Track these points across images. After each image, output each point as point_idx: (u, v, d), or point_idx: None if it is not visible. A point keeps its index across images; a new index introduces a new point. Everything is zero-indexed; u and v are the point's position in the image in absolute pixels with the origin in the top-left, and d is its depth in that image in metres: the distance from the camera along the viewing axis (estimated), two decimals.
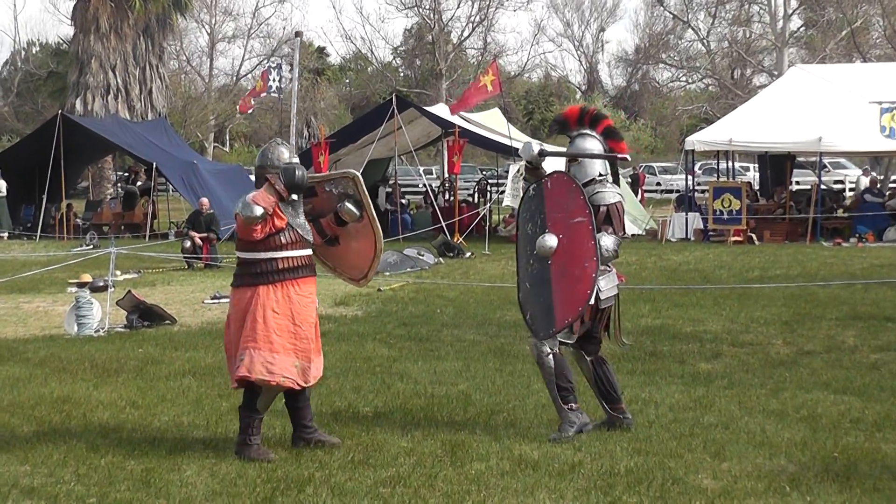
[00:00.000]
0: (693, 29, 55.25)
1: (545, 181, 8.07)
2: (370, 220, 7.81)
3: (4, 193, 30.53)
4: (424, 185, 33.96)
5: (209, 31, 61.25)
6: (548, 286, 7.79)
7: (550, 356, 7.78)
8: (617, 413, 7.97)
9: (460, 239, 24.99)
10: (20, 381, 10.08)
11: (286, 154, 7.55)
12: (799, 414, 8.43)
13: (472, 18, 54.98)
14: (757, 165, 35.82)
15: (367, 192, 7.83)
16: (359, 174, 7.91)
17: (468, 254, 22.48)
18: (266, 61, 56.40)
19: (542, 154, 8.10)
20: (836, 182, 41.11)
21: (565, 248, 7.82)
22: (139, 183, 33.95)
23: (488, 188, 33.95)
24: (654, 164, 56.24)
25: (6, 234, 30.34)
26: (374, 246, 7.93)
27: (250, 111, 30.18)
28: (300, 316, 7.42)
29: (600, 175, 8.10)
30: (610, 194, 8.01)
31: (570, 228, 7.87)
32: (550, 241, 7.83)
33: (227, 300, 15.54)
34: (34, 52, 63.58)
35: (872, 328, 12.46)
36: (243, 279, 7.47)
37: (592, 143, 8.22)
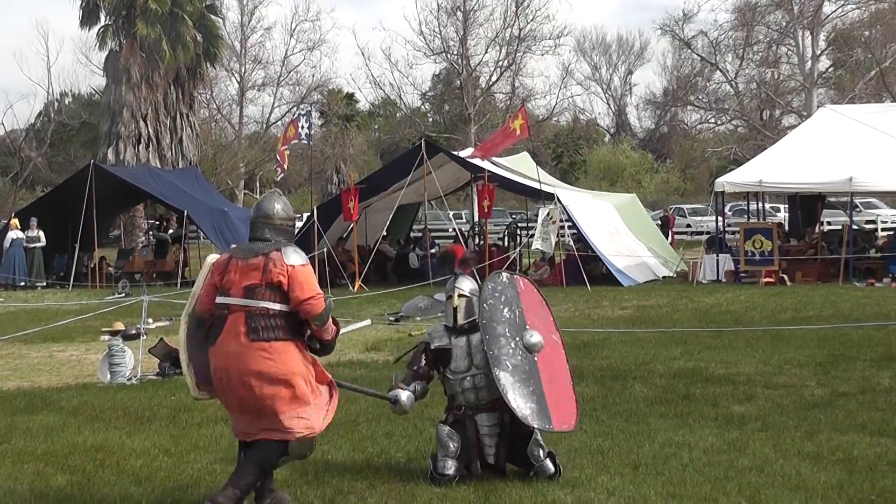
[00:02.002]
0: (721, 71, 55.31)
1: (517, 279, 8.20)
2: None
3: (44, 243, 30.81)
4: (454, 230, 34.02)
5: (239, 79, 61.80)
6: (537, 379, 7.78)
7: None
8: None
9: None
10: (54, 429, 10.12)
11: (282, 207, 7.36)
12: (835, 456, 8.35)
13: (500, 63, 55.28)
14: (787, 206, 35.69)
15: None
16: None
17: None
18: (295, 109, 56.96)
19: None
20: (868, 222, 40.90)
21: (548, 356, 7.94)
22: (171, 231, 34.17)
23: (518, 232, 33.96)
24: (683, 206, 56.19)
25: (44, 283, 30.56)
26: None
27: (286, 166, 30.36)
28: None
29: None
30: None
31: (549, 342, 8.08)
32: (538, 338, 7.97)
33: None
34: (67, 103, 64.35)
35: None
36: (277, 332, 7.03)
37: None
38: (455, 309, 8.10)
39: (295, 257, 7.09)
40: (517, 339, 7.89)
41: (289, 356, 6.97)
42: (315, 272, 24.88)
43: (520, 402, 7.67)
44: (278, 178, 34.05)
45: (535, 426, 7.67)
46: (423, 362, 8.15)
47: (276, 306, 6.99)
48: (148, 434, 9.82)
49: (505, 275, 8.20)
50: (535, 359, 7.87)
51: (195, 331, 7.32)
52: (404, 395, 7.98)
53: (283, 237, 7.27)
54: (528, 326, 7.97)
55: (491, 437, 7.87)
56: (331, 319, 7.24)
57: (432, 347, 8.12)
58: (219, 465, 8.52)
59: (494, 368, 7.72)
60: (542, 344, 7.94)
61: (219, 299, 7.10)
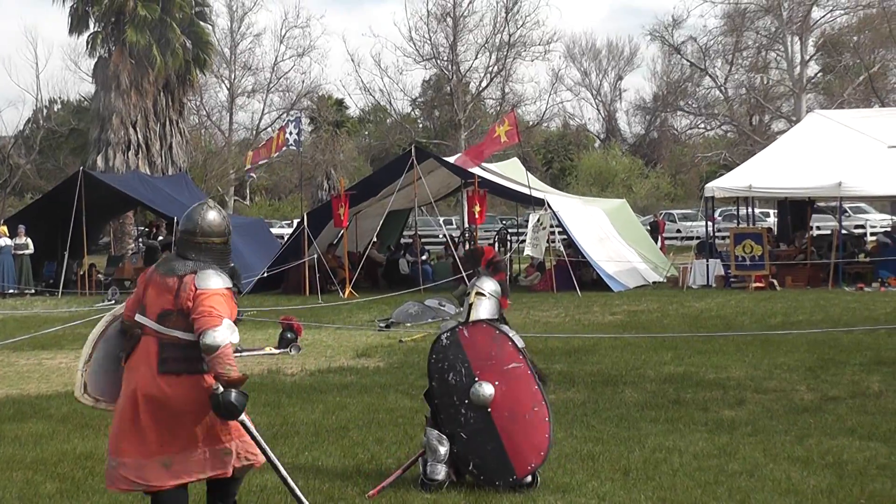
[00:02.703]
0: (710, 76, 55.43)
1: (460, 329, 7.97)
2: None
3: (32, 251, 30.73)
4: (444, 236, 34.03)
5: (228, 86, 61.78)
6: (494, 434, 7.69)
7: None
8: None
9: None
10: (43, 437, 10.09)
11: (210, 217, 6.54)
12: (824, 461, 8.36)
13: (490, 69, 55.28)
14: (777, 211, 35.78)
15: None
16: None
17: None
18: (285, 115, 56.94)
19: None
20: (857, 227, 41.01)
21: (505, 393, 7.80)
22: (160, 237, 34.07)
23: (508, 237, 33.98)
24: (673, 211, 56.34)
25: (33, 291, 30.48)
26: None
27: (255, 173, 30.37)
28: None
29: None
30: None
31: (505, 374, 7.89)
32: (487, 389, 7.75)
33: (249, 353, 15.67)
34: (56, 109, 64.20)
35: None
36: (189, 364, 6.28)
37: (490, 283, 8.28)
38: (471, 306, 8.06)
39: (208, 282, 6.28)
40: (466, 400, 7.73)
41: (202, 389, 6.22)
42: (305, 279, 24.66)
43: (481, 469, 7.66)
44: (249, 177, 33.96)
45: (499, 484, 7.63)
46: None
47: (188, 336, 6.23)
48: None
49: (444, 337, 7.91)
50: (489, 411, 7.72)
51: (116, 337, 6.69)
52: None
53: (209, 258, 6.46)
54: (476, 378, 7.79)
55: None
56: (227, 356, 6.14)
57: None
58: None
59: (453, 446, 7.68)
60: (490, 394, 7.72)
61: (137, 316, 6.45)
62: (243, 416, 6.34)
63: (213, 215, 6.56)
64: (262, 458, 6.45)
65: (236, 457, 6.38)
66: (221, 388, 6.13)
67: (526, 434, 7.73)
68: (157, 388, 6.21)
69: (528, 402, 7.84)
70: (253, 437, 6.50)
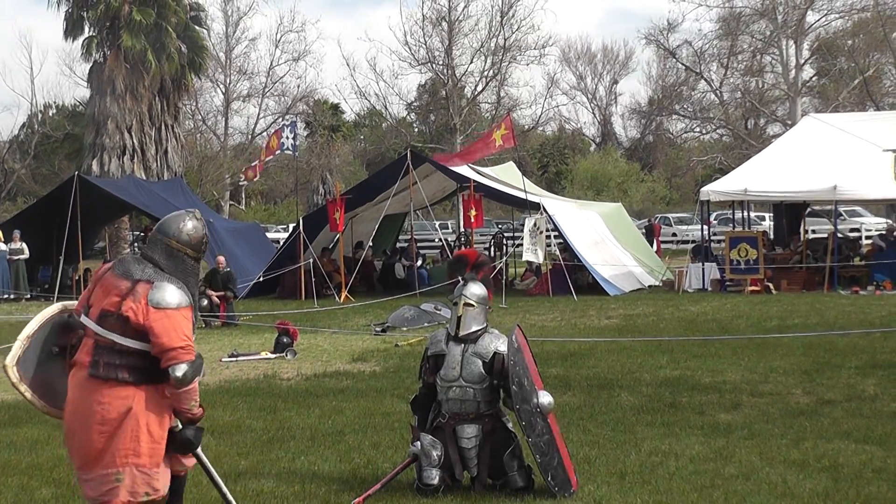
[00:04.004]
0: (706, 80, 55.44)
1: (517, 334, 7.95)
2: None
3: (27, 256, 30.67)
4: (440, 240, 34.03)
5: (224, 90, 61.72)
6: (555, 444, 7.72)
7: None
8: None
9: None
10: (38, 442, 10.07)
11: (190, 226, 6.25)
12: (820, 464, 8.37)
13: (486, 73, 55.24)
14: (772, 214, 35.81)
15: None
16: None
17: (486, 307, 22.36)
18: (281, 119, 56.92)
19: None
20: (852, 230, 41.06)
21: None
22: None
23: (504, 241, 33.99)
24: (669, 215, 56.40)
25: (28, 296, 30.44)
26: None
27: (255, 179, 30.46)
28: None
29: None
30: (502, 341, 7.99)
31: (541, 384, 8.01)
32: (549, 398, 7.81)
33: (245, 358, 15.65)
34: (50, 114, 64.13)
35: (893, 376, 12.38)
36: (119, 372, 5.94)
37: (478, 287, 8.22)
38: (459, 318, 8.04)
39: (166, 296, 5.93)
40: (538, 409, 7.69)
41: (126, 401, 5.89)
42: (301, 283, 24.67)
43: (556, 480, 7.58)
44: (241, 183, 33.99)
45: (567, 496, 7.57)
46: (426, 373, 8.12)
47: (125, 342, 5.91)
48: None
49: (514, 340, 7.84)
50: (549, 422, 7.74)
51: (56, 328, 6.34)
52: (416, 448, 7.89)
53: (176, 266, 6.14)
54: (536, 388, 7.80)
55: (472, 450, 7.83)
56: (194, 392, 5.94)
57: (428, 354, 8.10)
58: (203, 476, 8.48)
59: (536, 455, 7.55)
60: (553, 403, 7.80)
61: (81, 316, 6.14)
62: (198, 450, 6.27)
63: (195, 225, 6.27)
64: (166, 491, 6.10)
65: (132, 491, 5.94)
66: (180, 426, 6.03)
67: (562, 445, 7.82)
68: (84, 392, 5.95)
69: (556, 426, 8.02)
70: (206, 471, 6.45)
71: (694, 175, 63.00)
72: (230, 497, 6.68)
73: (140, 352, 5.89)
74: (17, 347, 6.27)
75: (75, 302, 6.40)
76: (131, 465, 5.92)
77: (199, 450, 6.28)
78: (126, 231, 41.93)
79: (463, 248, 32.47)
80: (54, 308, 6.48)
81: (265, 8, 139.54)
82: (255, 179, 31.03)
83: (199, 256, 6.30)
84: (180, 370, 5.81)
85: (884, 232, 29.57)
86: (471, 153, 27.78)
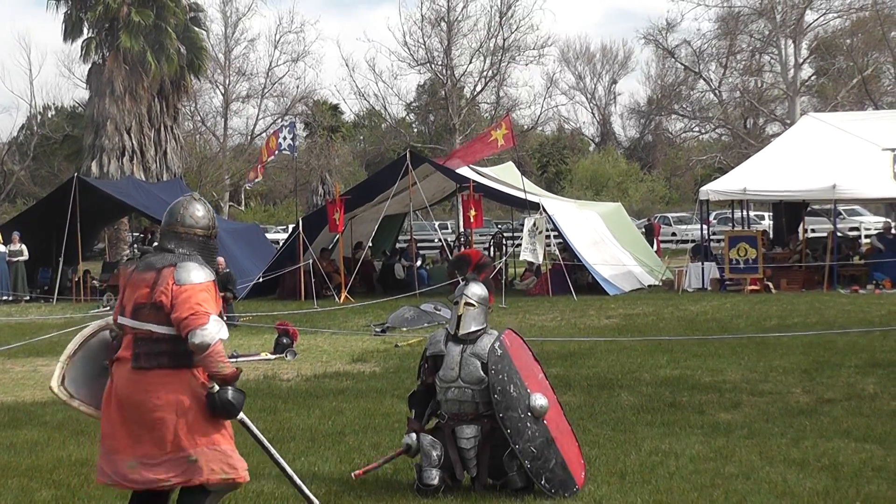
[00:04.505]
0: (705, 80, 55.44)
1: (503, 338, 7.92)
2: None
3: (27, 257, 30.67)
4: (440, 240, 34.03)
5: (223, 91, 61.75)
6: (553, 447, 7.68)
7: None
8: None
9: None
10: (38, 444, 10.07)
11: (192, 208, 6.46)
12: (820, 463, 8.37)
13: (485, 73, 55.26)
14: (771, 214, 35.81)
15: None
16: None
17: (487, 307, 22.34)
18: (280, 120, 56.92)
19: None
20: (852, 229, 41.06)
21: (551, 412, 7.86)
22: (155, 243, 34.03)
23: (504, 242, 33.98)
24: (668, 215, 56.43)
25: (28, 297, 30.43)
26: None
27: (256, 180, 30.54)
28: None
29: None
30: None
31: (541, 384, 7.99)
32: (543, 400, 7.76)
33: (245, 359, 15.66)
34: (50, 116, 64.16)
35: (892, 375, 12.38)
36: (160, 359, 6.09)
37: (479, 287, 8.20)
38: (459, 317, 8.04)
39: (189, 275, 6.10)
40: (528, 413, 7.67)
41: (173, 387, 6.03)
42: (300, 284, 24.66)
43: (551, 482, 7.57)
44: (248, 186, 34.02)
45: (568, 496, 7.57)
46: (424, 373, 8.11)
47: (162, 329, 6.06)
48: None
49: (497, 346, 7.82)
50: (545, 423, 7.72)
51: (101, 344, 6.54)
52: (410, 439, 7.94)
53: (191, 248, 6.33)
54: (529, 392, 7.77)
55: (471, 450, 7.82)
56: (218, 354, 6.01)
57: (427, 355, 8.10)
58: None
59: (524, 461, 7.56)
60: (546, 406, 7.76)
61: (118, 318, 6.29)
62: (242, 415, 6.30)
63: (196, 206, 6.47)
64: (245, 476, 6.24)
65: (208, 469, 6.08)
66: (217, 387, 6.07)
67: (569, 444, 7.81)
68: (131, 384, 6.06)
69: (561, 413, 8.02)
70: (254, 437, 6.50)
71: (693, 174, 63.01)
72: (287, 467, 6.73)
73: (178, 337, 6.01)
74: (59, 369, 6.51)
75: (110, 319, 6.52)
76: (201, 444, 6.05)
77: (244, 416, 6.33)
78: (125, 232, 41.97)
79: (463, 248, 32.50)
80: (92, 327, 6.66)
81: (264, 9, 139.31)
82: (257, 180, 31.10)
83: (210, 233, 6.47)
84: (196, 336, 5.90)
85: (881, 231, 29.53)
86: (470, 153, 27.77)
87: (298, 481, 6.71)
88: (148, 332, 6.08)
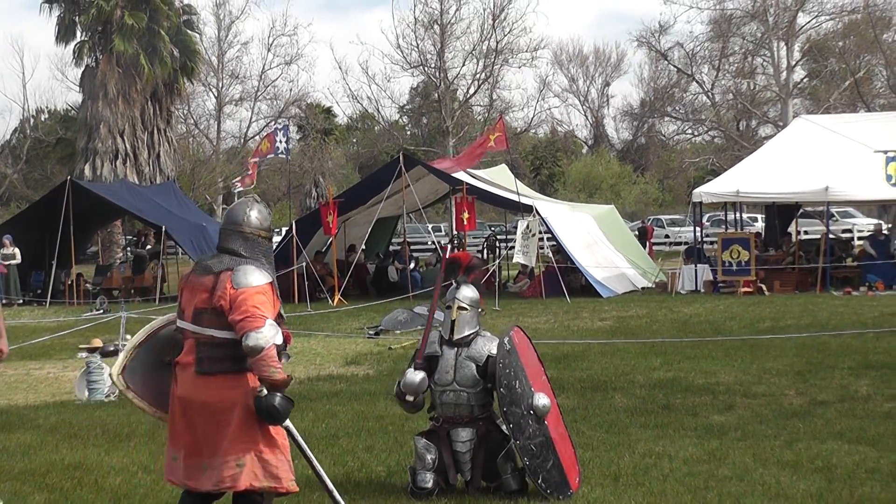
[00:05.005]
0: (697, 82, 55.48)
1: (512, 335, 7.91)
2: None
3: (20, 260, 30.62)
4: (433, 242, 34.02)
5: (216, 94, 61.65)
6: (552, 448, 7.68)
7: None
8: None
9: None
10: (31, 447, 10.06)
11: (264, 213, 6.55)
12: (814, 465, 8.38)
13: (478, 76, 55.19)
14: (764, 216, 35.84)
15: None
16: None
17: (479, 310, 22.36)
18: (273, 123, 56.83)
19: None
20: (844, 231, 41.08)
21: (552, 413, 7.88)
22: (149, 246, 34.04)
23: (497, 244, 33.98)
24: (662, 217, 56.42)
25: (21, 300, 30.38)
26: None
27: (252, 185, 30.55)
28: None
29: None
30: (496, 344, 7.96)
31: (545, 386, 7.99)
32: (546, 400, 7.75)
33: None
34: (43, 119, 64.06)
35: (885, 377, 12.40)
36: (223, 364, 6.20)
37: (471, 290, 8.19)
38: (453, 322, 8.02)
39: (247, 277, 6.18)
40: (531, 411, 7.66)
41: (235, 391, 6.17)
42: (294, 286, 24.62)
43: (548, 482, 7.56)
44: (235, 191, 33.99)
45: (561, 498, 7.57)
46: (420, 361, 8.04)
47: (223, 334, 6.16)
48: (126, 451, 9.77)
49: (506, 341, 7.79)
50: (546, 424, 7.70)
51: (165, 340, 6.59)
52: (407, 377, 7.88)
53: (253, 250, 6.40)
54: (533, 391, 7.75)
55: (466, 453, 7.82)
56: (271, 358, 6.05)
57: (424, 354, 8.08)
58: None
59: (524, 458, 7.56)
60: (549, 406, 7.75)
61: (177, 322, 6.43)
62: (288, 423, 6.37)
63: (260, 208, 6.57)
64: (291, 486, 6.34)
65: (251, 475, 6.17)
66: (265, 391, 6.12)
67: (566, 448, 7.81)
68: (195, 390, 6.19)
69: (559, 415, 8.04)
70: (298, 445, 6.56)
71: (686, 177, 63.03)
72: (324, 475, 6.77)
73: (239, 342, 6.07)
74: (123, 357, 6.62)
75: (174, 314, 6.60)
76: (251, 451, 6.15)
77: (289, 424, 6.39)
78: (119, 235, 41.95)
79: (456, 251, 32.47)
80: (162, 320, 6.77)
81: (257, 12, 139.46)
82: (251, 186, 31.11)
83: (269, 236, 6.57)
84: (250, 339, 5.97)
85: (872, 233, 29.57)
86: (469, 158, 27.80)
87: (336, 493, 6.79)
88: (209, 337, 6.18)
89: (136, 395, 6.60)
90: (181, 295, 6.44)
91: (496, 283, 26.28)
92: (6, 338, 8.15)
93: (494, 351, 7.83)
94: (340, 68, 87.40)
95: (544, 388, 7.94)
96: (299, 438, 6.55)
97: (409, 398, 7.88)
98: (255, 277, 6.21)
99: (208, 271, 6.30)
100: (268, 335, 6.01)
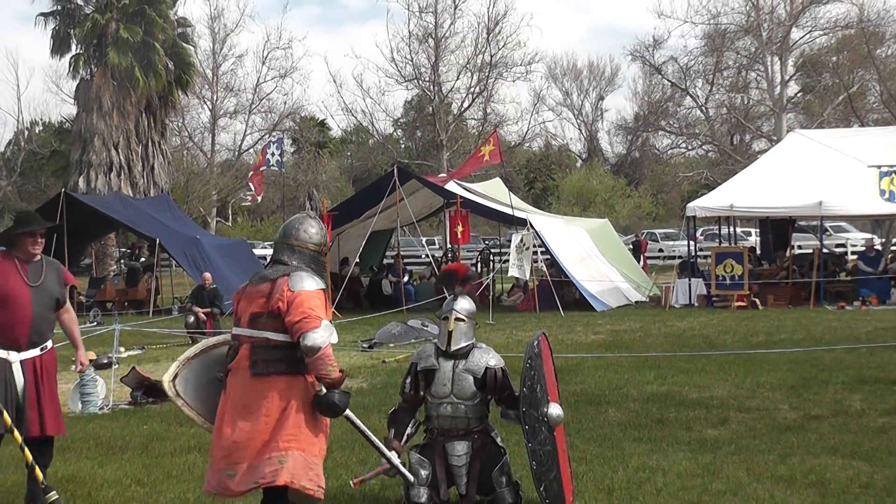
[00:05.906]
0: (691, 96, 55.56)
1: (541, 339, 7.90)
2: None
3: None
4: (427, 256, 34.03)
5: (211, 107, 61.70)
6: (556, 459, 7.68)
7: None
8: None
9: None
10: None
11: (314, 228, 6.87)
12: (807, 479, 8.38)
13: (472, 89, 55.31)
14: (758, 230, 35.89)
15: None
16: None
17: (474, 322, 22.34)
18: (267, 136, 56.89)
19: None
20: (838, 245, 41.15)
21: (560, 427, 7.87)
22: (142, 259, 34.01)
23: (491, 257, 33.99)
24: (655, 231, 56.51)
25: None
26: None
27: (261, 195, 30.62)
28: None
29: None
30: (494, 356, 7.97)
31: (557, 399, 7.98)
32: (559, 410, 7.77)
33: None
34: (37, 131, 64.03)
35: (879, 392, 12.41)
36: (278, 365, 6.48)
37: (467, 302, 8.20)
38: (450, 333, 8.03)
39: (303, 283, 6.50)
40: (545, 419, 7.65)
41: (287, 392, 6.42)
42: None
43: (548, 491, 7.50)
44: (246, 204, 34.05)
45: None
46: (411, 389, 8.02)
47: (278, 337, 6.44)
48: (120, 464, 9.75)
49: (535, 344, 7.77)
50: (555, 434, 7.70)
51: (219, 358, 6.90)
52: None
53: (303, 261, 6.71)
54: (549, 399, 7.75)
55: (462, 467, 7.80)
56: (328, 357, 6.39)
57: (419, 369, 8.05)
58: (192, 494, 8.47)
59: (532, 461, 7.52)
60: (562, 418, 7.77)
61: (233, 330, 6.72)
62: (348, 411, 6.71)
63: (311, 223, 6.92)
64: (319, 493, 6.52)
65: (290, 473, 6.37)
66: (324, 390, 6.46)
67: (565, 463, 7.79)
68: (247, 390, 6.45)
69: (563, 431, 8.00)
70: (359, 430, 7.03)
71: (680, 191, 63.11)
72: (388, 453, 7.24)
73: (294, 344, 6.41)
74: (174, 367, 6.91)
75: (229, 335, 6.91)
76: (294, 449, 6.40)
77: (350, 413, 6.78)
78: (112, 248, 41.87)
79: (449, 264, 32.50)
80: (217, 339, 7.15)
81: (252, 25, 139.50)
82: (260, 195, 31.20)
83: (321, 249, 6.90)
84: (308, 339, 6.30)
85: (863, 250, 29.61)
86: (458, 173, 27.86)
87: (403, 469, 7.22)
88: (265, 339, 6.47)
89: (186, 404, 6.88)
90: (237, 305, 6.76)
91: (490, 297, 26.29)
92: (83, 349, 9.21)
93: (492, 363, 7.82)
94: (335, 81, 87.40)
95: (557, 400, 7.94)
96: (360, 423, 7.00)
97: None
98: (309, 283, 6.53)
99: (265, 279, 6.64)
100: (324, 335, 6.36)
